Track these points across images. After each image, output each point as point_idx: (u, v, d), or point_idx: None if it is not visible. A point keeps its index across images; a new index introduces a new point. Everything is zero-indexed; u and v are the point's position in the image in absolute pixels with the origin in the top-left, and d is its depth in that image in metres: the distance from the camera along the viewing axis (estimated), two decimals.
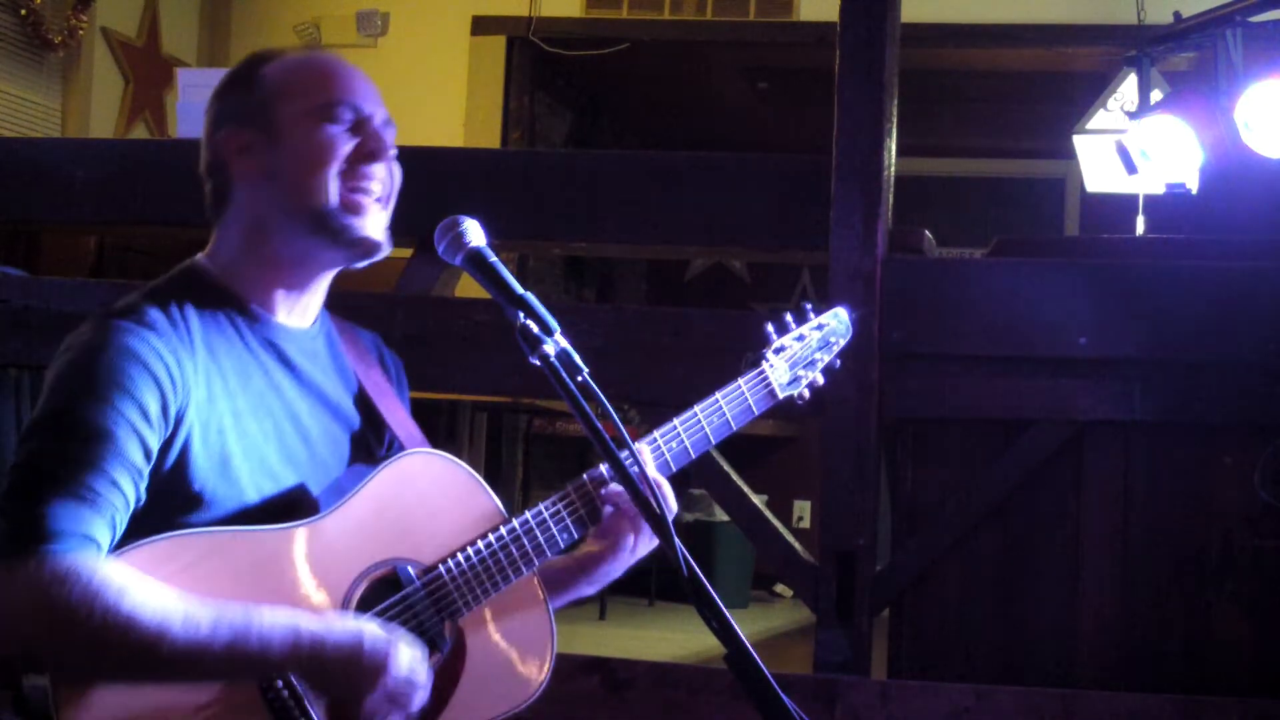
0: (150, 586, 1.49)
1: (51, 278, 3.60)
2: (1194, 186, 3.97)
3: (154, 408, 1.57)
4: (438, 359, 3.21)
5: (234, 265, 1.75)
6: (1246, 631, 2.93)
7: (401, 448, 1.81)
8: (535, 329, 1.56)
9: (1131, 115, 4.09)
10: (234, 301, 1.73)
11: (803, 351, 1.98)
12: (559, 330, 1.57)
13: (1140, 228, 5.46)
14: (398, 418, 1.84)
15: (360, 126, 1.74)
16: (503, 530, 1.72)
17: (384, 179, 1.76)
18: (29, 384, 3.83)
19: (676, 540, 1.49)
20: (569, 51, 6.61)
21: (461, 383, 3.33)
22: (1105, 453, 3.00)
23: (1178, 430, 2.99)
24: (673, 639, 4.94)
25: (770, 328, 1.97)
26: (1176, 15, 3.95)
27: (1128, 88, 5.33)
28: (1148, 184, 4.62)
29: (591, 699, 3.01)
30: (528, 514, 1.74)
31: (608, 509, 1.77)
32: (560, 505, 1.76)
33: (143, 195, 3.49)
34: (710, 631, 1.44)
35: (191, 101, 4.00)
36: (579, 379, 1.55)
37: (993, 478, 3.04)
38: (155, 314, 1.64)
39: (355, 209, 1.72)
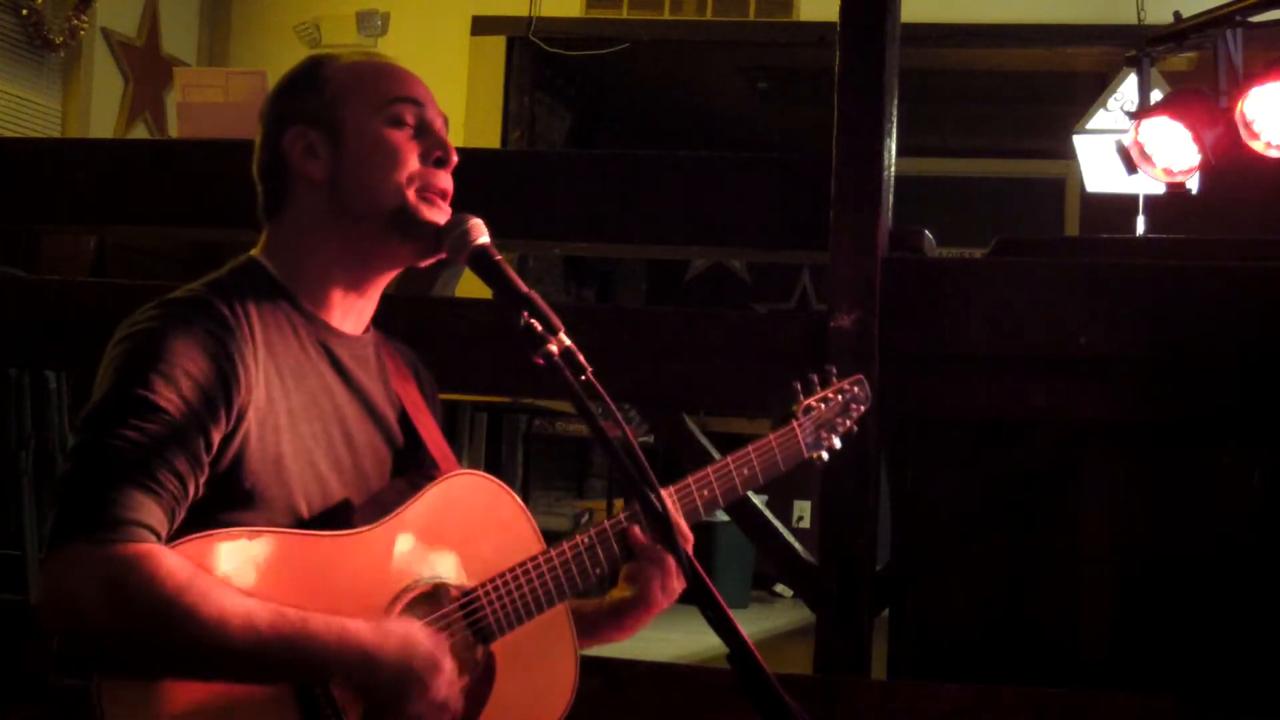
0: (210, 582, 1.47)
1: (51, 278, 3.60)
2: (1194, 186, 3.97)
3: (219, 400, 1.56)
4: (438, 359, 3.18)
5: (291, 265, 1.73)
6: (1247, 632, 2.93)
7: (435, 465, 1.80)
8: (539, 328, 1.56)
9: (1131, 115, 4.10)
10: (290, 300, 1.71)
11: (827, 414, 2.04)
12: (563, 329, 1.57)
13: (1140, 228, 5.47)
14: (433, 436, 1.83)
15: (424, 128, 1.74)
16: (540, 558, 1.73)
17: (448, 184, 1.75)
18: (29, 384, 3.84)
19: (678, 540, 1.49)
20: (569, 51, 6.62)
21: (461, 383, 3.32)
22: (1105, 453, 3.00)
23: (1178, 430, 2.99)
24: (673, 639, 4.94)
25: (797, 386, 2.02)
26: (1176, 15, 3.96)
27: (1128, 88, 5.35)
28: (1148, 184, 4.63)
29: (591, 699, 2.99)
30: (564, 544, 1.75)
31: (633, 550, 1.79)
32: (595, 538, 1.77)
33: (143, 195, 3.48)
34: (712, 631, 1.45)
35: (191, 101, 4.01)
36: (582, 378, 1.55)
37: (993, 478, 3.03)
38: (219, 305, 1.62)
39: (430, 203, 1.72)
